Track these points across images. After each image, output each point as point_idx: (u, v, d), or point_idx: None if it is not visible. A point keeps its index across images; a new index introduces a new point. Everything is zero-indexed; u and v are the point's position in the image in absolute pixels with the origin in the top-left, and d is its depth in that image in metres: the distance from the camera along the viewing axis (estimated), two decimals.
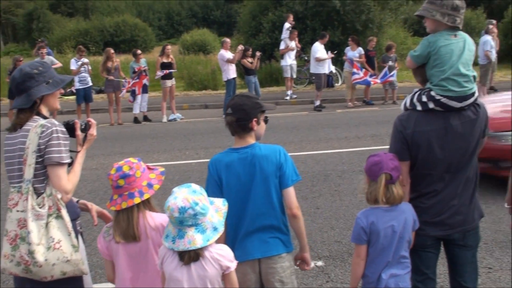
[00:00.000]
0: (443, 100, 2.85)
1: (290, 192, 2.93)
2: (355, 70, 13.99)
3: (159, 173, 2.80)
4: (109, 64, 13.59)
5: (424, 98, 2.90)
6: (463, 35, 2.93)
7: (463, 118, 2.91)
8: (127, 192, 2.65)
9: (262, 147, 2.95)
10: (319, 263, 4.83)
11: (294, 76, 16.46)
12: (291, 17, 16.69)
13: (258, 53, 14.22)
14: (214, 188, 2.89)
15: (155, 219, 2.73)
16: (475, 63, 13.09)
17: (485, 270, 4.48)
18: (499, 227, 5.34)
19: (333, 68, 15.72)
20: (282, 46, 16.17)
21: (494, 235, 5.20)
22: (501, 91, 12.04)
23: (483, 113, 2.99)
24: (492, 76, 14.75)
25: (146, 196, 2.68)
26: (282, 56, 16.25)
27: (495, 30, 15.66)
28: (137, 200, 2.65)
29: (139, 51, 14.21)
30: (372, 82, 14.27)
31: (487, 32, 14.14)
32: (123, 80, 13.80)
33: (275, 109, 3.52)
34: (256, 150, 2.91)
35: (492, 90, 14.92)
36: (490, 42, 13.96)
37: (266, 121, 3.07)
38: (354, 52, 14.26)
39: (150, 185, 2.71)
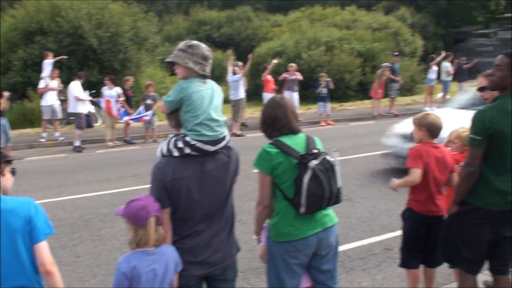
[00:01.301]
0: (198, 145, 2.97)
1: (42, 247, 2.74)
2: (119, 106, 14.03)
3: None
4: None
5: (180, 144, 2.98)
6: (211, 83, 3.13)
7: (217, 161, 3.09)
8: None
9: (8, 200, 2.71)
10: None
11: (60, 116, 15.63)
12: (50, 55, 15.87)
13: (5, 93, 13.06)
14: None
15: None
16: (227, 101, 14.16)
17: None
18: (254, 255, 5.74)
19: (91, 108, 15.33)
20: (41, 85, 15.21)
21: (250, 263, 5.60)
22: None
23: (235, 155, 3.21)
24: (242, 113, 16.05)
25: None
26: (41, 96, 15.27)
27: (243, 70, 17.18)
28: None
29: None
30: (125, 120, 14.37)
31: (235, 73, 15.41)
32: None
33: (22, 159, 3.29)
34: (0, 204, 2.67)
35: (244, 125, 16.24)
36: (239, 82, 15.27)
37: (13, 172, 2.85)
38: (111, 92, 14.17)
39: None
